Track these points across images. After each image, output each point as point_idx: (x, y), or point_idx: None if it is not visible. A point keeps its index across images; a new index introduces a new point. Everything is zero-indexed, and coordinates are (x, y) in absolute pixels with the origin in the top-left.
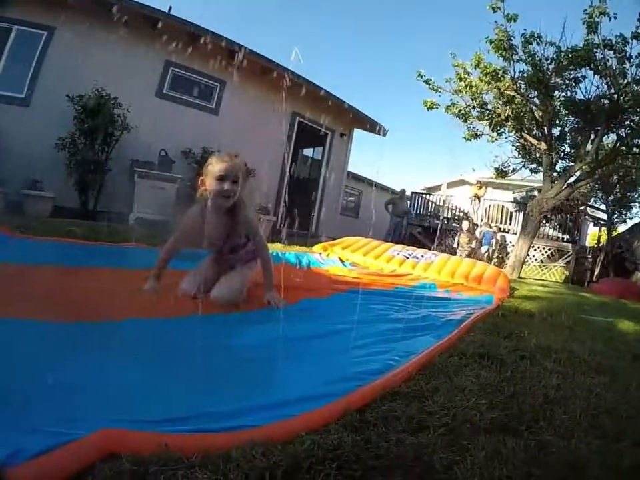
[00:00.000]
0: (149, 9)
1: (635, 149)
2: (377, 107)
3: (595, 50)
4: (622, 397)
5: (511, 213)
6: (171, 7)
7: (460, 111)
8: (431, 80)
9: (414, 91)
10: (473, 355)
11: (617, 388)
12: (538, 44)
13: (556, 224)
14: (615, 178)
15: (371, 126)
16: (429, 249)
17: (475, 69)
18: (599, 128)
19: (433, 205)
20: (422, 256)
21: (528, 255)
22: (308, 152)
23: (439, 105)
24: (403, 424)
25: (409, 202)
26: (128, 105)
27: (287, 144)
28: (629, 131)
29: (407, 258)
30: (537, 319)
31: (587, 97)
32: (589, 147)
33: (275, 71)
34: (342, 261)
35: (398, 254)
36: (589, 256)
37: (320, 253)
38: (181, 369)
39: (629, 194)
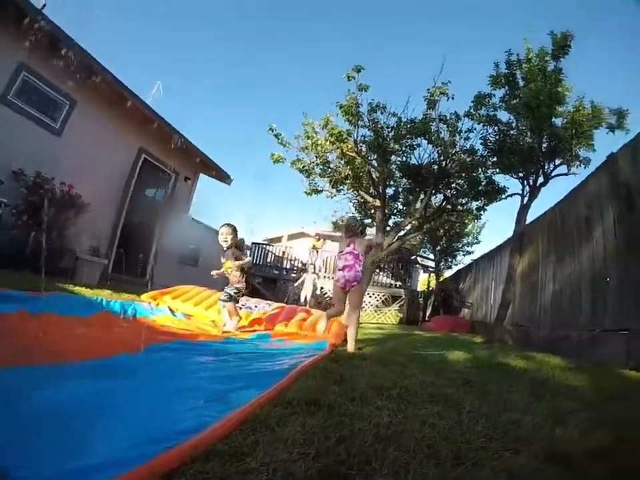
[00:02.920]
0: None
1: (458, 207)
2: (222, 153)
3: (431, 123)
4: (456, 422)
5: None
6: (45, 5)
7: (304, 166)
8: (280, 134)
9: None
10: (300, 402)
11: (450, 414)
12: (382, 113)
13: (389, 272)
14: (441, 231)
15: (217, 173)
16: (269, 299)
17: (323, 129)
18: (428, 189)
19: (273, 256)
20: (255, 306)
21: (364, 301)
22: (150, 192)
23: (285, 159)
24: None
25: (248, 252)
26: None
27: (128, 180)
28: (454, 192)
29: (240, 308)
30: (370, 360)
31: (419, 162)
32: (418, 205)
33: (129, 100)
34: (172, 311)
35: None
36: (421, 299)
37: (149, 302)
38: None
39: (453, 244)
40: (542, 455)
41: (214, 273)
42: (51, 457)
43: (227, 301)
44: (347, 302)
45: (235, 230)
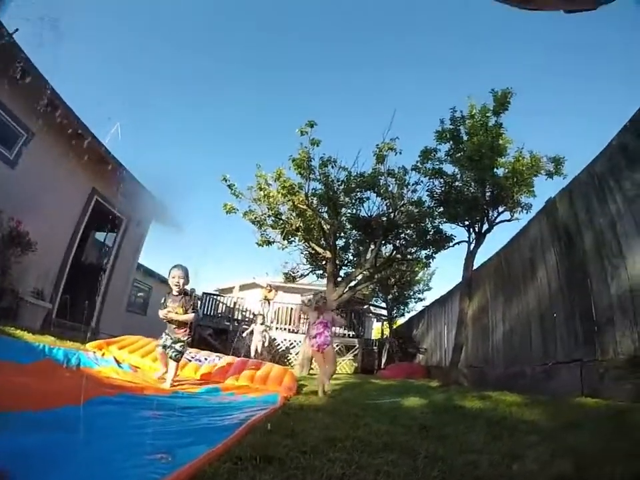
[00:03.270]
0: None
1: (408, 256)
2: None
3: (380, 177)
4: (412, 468)
5: (299, 314)
6: (17, 30)
7: (256, 218)
8: (234, 185)
9: (215, 191)
10: (250, 457)
11: (406, 461)
12: (333, 167)
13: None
14: (392, 280)
15: (171, 221)
16: (221, 352)
17: (275, 181)
18: (377, 240)
19: (224, 307)
20: (205, 359)
21: None
22: (99, 235)
23: (237, 209)
24: None
25: (199, 302)
26: None
27: (78, 221)
28: (403, 242)
29: (190, 361)
30: (323, 412)
31: (369, 214)
32: (369, 255)
33: (87, 138)
34: (118, 363)
35: None
36: (375, 347)
37: (94, 352)
38: None
39: (405, 292)
40: None
41: (163, 313)
42: None
43: (178, 360)
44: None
45: (187, 274)
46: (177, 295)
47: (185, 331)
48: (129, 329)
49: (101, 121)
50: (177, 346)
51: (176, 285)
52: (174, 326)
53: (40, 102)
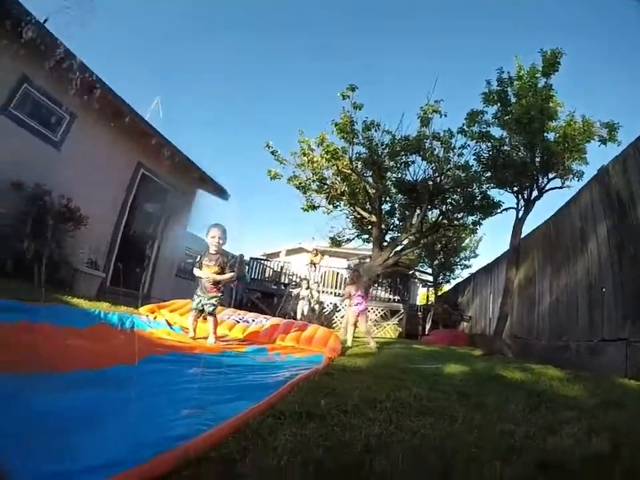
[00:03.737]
0: (18, 9)
1: (454, 222)
2: (220, 169)
3: (425, 140)
4: (448, 433)
5: (345, 278)
6: (47, 19)
7: (301, 183)
8: (277, 151)
9: (259, 158)
10: (292, 414)
11: (442, 426)
12: (376, 131)
13: (387, 287)
14: (438, 246)
15: (215, 189)
16: (268, 314)
17: (318, 146)
18: (423, 204)
19: (271, 271)
20: (253, 320)
21: None
22: (148, 207)
23: (282, 175)
24: None
25: (247, 267)
26: None
27: (126, 195)
28: (449, 207)
29: (238, 322)
30: (365, 374)
31: (414, 178)
32: (414, 220)
33: (128, 115)
34: (169, 324)
35: (229, 318)
36: (420, 313)
37: (147, 315)
38: None
39: (451, 259)
40: (533, 464)
41: (204, 273)
42: (44, 460)
43: (214, 314)
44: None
45: (225, 233)
46: (214, 254)
47: (219, 288)
48: (179, 293)
49: (141, 96)
50: (213, 300)
51: (215, 244)
52: (208, 285)
53: (78, 84)
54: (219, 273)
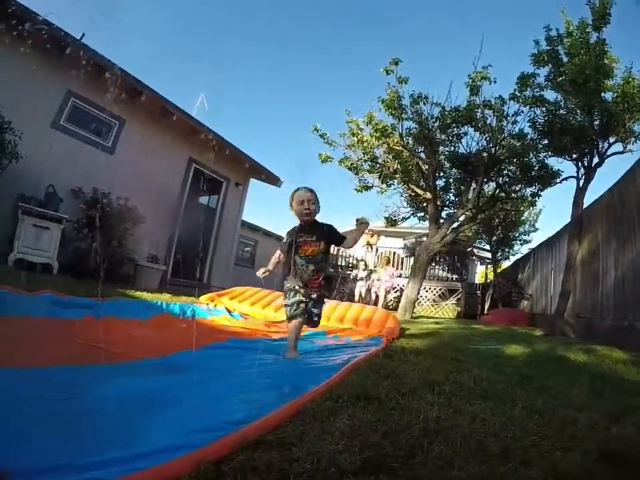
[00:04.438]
0: (60, 32)
1: (512, 194)
2: (271, 156)
3: (476, 110)
4: (508, 418)
5: (402, 258)
6: (84, 35)
7: (352, 164)
8: (325, 134)
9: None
10: (350, 397)
11: (503, 411)
12: (425, 104)
13: (445, 265)
14: (496, 221)
15: (267, 177)
16: (326, 297)
17: (367, 125)
18: (479, 178)
19: None
20: None
21: (420, 295)
22: (203, 200)
23: (332, 158)
24: (262, 473)
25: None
26: (21, 132)
27: (181, 190)
28: (506, 179)
29: None
30: (424, 355)
31: (468, 151)
32: (470, 194)
33: (175, 114)
34: (229, 311)
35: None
36: (478, 291)
37: (207, 304)
38: (46, 418)
39: (509, 234)
40: (595, 455)
41: (263, 271)
42: (106, 444)
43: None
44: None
45: (317, 197)
46: (306, 227)
47: (322, 280)
48: (237, 281)
49: (187, 94)
50: (320, 304)
51: (306, 213)
52: (309, 273)
53: (123, 90)
54: (326, 252)
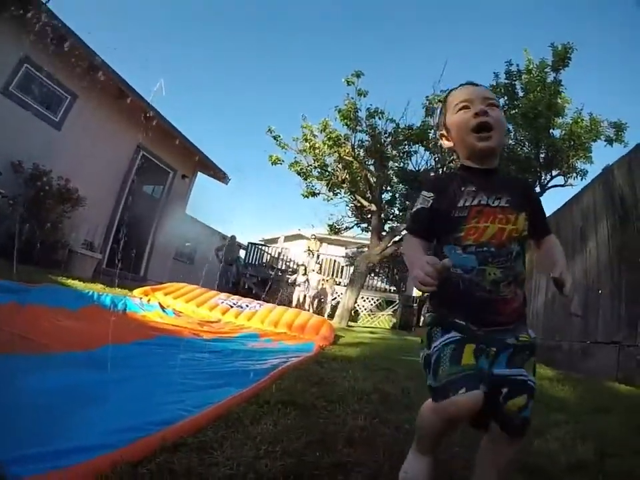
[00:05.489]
0: None
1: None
2: (219, 153)
3: (429, 130)
4: None
5: (342, 266)
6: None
7: (302, 169)
8: (279, 136)
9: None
10: (277, 402)
11: None
12: (380, 119)
13: (384, 277)
14: None
15: (215, 172)
16: (264, 300)
17: (321, 132)
18: None
19: (269, 257)
20: (246, 305)
21: (357, 304)
22: (147, 189)
23: (283, 161)
24: (179, 477)
25: (240, 249)
26: None
27: (125, 176)
28: None
29: (231, 307)
30: (355, 364)
31: (417, 168)
32: None
33: (130, 96)
34: (163, 308)
35: (222, 302)
36: (415, 304)
37: (140, 298)
38: None
39: None
40: (517, 466)
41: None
42: (25, 440)
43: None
44: None
45: None
46: (486, 174)
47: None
48: (175, 276)
49: (144, 78)
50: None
51: (481, 125)
52: (492, 289)
53: (80, 64)
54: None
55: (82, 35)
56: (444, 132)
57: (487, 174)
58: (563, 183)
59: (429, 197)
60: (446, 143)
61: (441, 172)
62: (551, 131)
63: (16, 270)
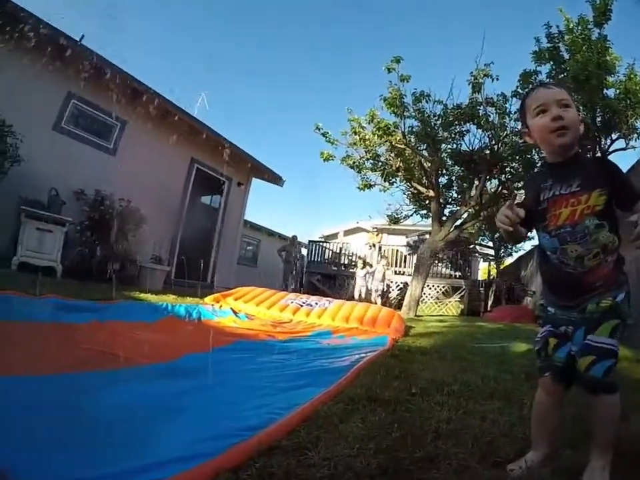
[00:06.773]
0: (60, 34)
1: (515, 191)
2: (272, 155)
3: (478, 107)
4: (517, 418)
5: (405, 256)
6: (83, 36)
7: (354, 162)
8: (327, 133)
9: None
10: (361, 399)
11: (511, 410)
12: (427, 102)
13: (448, 263)
14: None
15: (269, 176)
16: (329, 296)
17: (369, 123)
18: (482, 175)
19: (331, 253)
20: (316, 303)
21: (423, 293)
22: (205, 199)
23: (334, 156)
24: None
25: (301, 248)
26: (22, 135)
27: (183, 191)
28: (509, 177)
29: (301, 306)
30: (430, 355)
31: (470, 148)
32: (473, 192)
33: (176, 114)
34: (235, 312)
35: (292, 302)
36: (482, 288)
37: (212, 305)
38: (50, 428)
39: None
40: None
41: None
42: (117, 456)
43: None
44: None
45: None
46: (562, 166)
47: (612, 270)
48: (241, 280)
49: (187, 92)
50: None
51: (557, 127)
52: (574, 267)
53: (124, 92)
54: (605, 215)
55: (121, 65)
56: (526, 130)
57: (564, 166)
58: (624, 147)
59: (521, 195)
60: (529, 140)
61: (496, 148)
62: (604, 91)
63: (92, 289)
